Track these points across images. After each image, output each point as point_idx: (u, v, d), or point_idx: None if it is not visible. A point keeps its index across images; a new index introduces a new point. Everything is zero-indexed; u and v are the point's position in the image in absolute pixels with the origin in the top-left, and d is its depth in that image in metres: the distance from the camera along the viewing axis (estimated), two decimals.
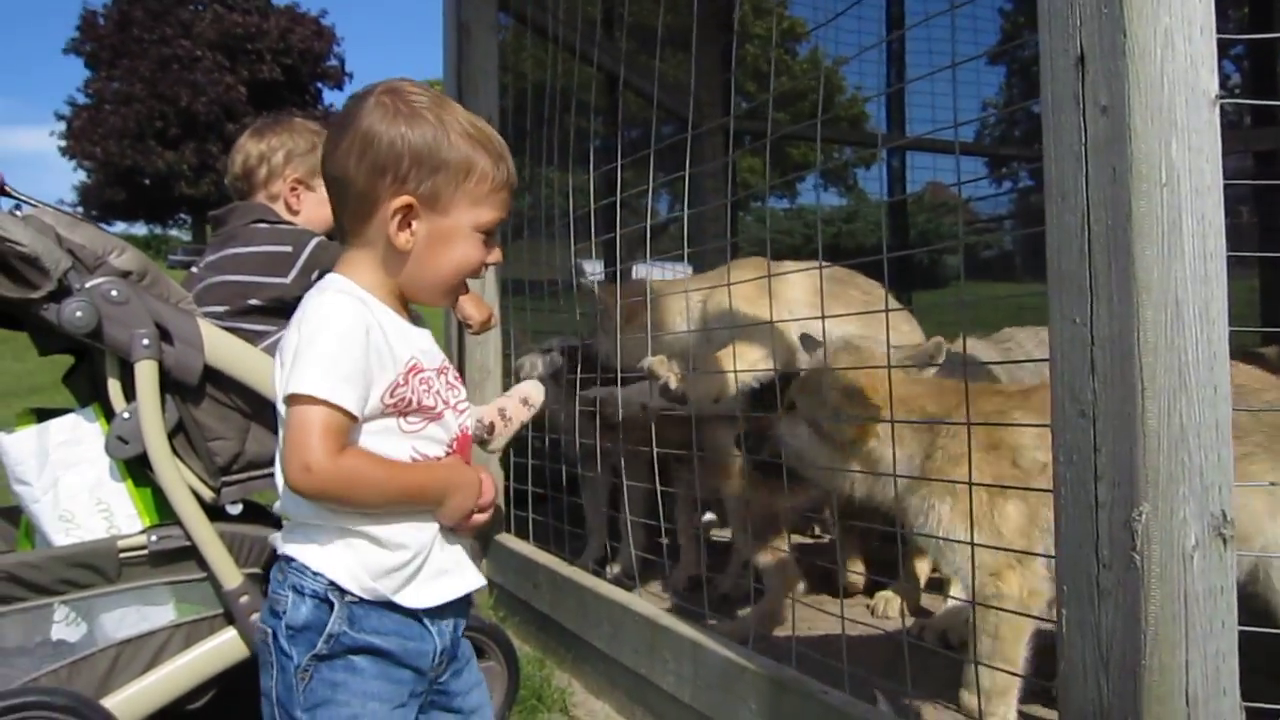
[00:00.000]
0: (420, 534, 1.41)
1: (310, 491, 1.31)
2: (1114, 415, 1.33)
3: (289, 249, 2.50)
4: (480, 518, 1.47)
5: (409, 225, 1.39)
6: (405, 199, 1.37)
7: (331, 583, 1.35)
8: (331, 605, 1.35)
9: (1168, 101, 1.30)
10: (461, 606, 1.48)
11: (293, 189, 2.68)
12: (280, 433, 1.39)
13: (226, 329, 2.28)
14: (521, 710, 2.72)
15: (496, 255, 1.49)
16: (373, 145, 1.36)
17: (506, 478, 3.62)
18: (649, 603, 2.67)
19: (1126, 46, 1.29)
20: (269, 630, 1.40)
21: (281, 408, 1.33)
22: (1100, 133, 1.33)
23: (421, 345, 1.44)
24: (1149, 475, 1.30)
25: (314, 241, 2.49)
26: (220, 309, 2.43)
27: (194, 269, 2.62)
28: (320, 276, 1.51)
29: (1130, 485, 1.32)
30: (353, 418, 1.32)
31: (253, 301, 2.44)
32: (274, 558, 1.45)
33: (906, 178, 6.13)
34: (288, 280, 2.45)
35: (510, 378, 3.76)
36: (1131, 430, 1.31)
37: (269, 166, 2.68)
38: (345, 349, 1.32)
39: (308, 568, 1.36)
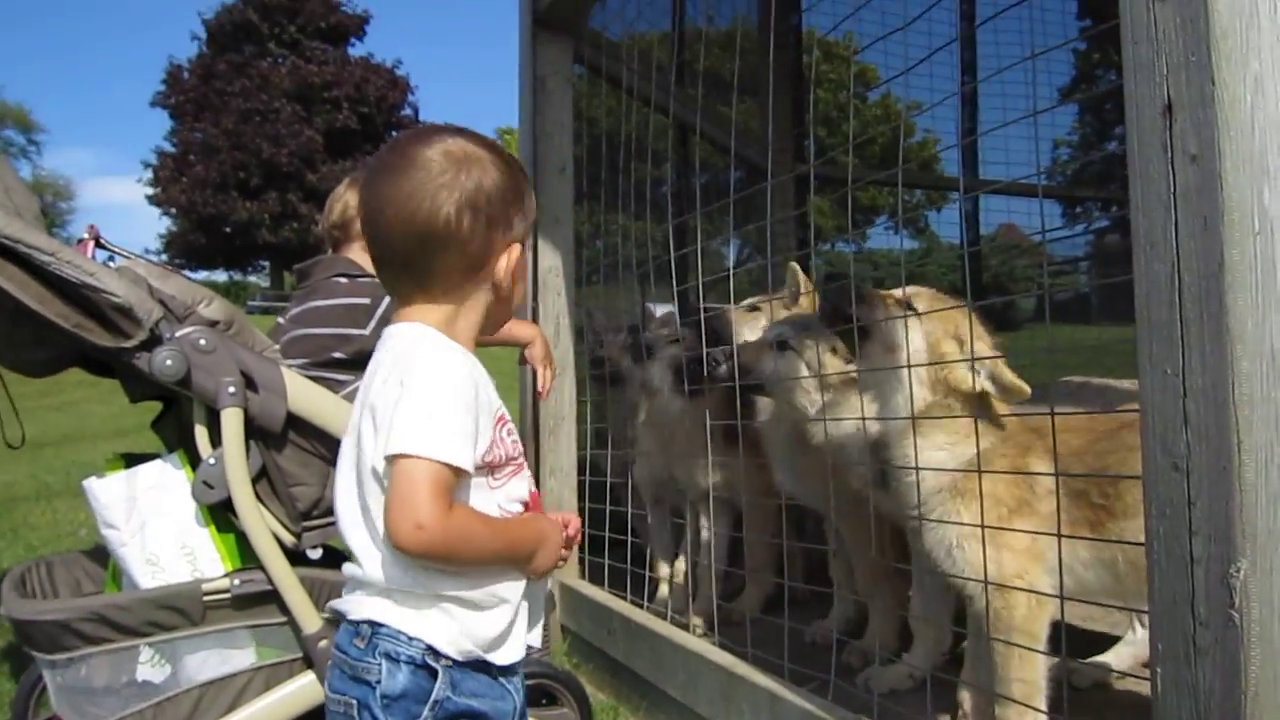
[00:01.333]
0: (517, 589, 1.37)
1: (420, 549, 1.24)
2: (1209, 469, 1.29)
3: (367, 301, 2.56)
4: (566, 553, 1.45)
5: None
6: (514, 243, 1.37)
7: (429, 647, 1.31)
8: (431, 671, 1.31)
9: (1259, 149, 1.27)
10: (519, 662, 1.44)
11: None
12: (348, 487, 1.35)
13: (310, 378, 2.33)
14: None
15: None
16: (479, 203, 1.33)
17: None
18: (725, 652, 2.64)
19: (1215, 95, 1.27)
20: (353, 700, 1.33)
21: (381, 464, 1.27)
22: (1190, 181, 1.31)
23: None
24: (1246, 530, 1.26)
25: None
26: (302, 361, 2.48)
27: (280, 320, 2.69)
28: None
29: (1227, 541, 1.28)
30: (460, 474, 1.27)
31: (336, 355, 2.49)
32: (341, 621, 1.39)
33: (980, 220, 6.06)
34: (367, 332, 2.50)
35: (583, 396, 3.75)
36: (1228, 484, 1.27)
37: None
38: (456, 406, 1.28)
39: (403, 633, 1.31)
